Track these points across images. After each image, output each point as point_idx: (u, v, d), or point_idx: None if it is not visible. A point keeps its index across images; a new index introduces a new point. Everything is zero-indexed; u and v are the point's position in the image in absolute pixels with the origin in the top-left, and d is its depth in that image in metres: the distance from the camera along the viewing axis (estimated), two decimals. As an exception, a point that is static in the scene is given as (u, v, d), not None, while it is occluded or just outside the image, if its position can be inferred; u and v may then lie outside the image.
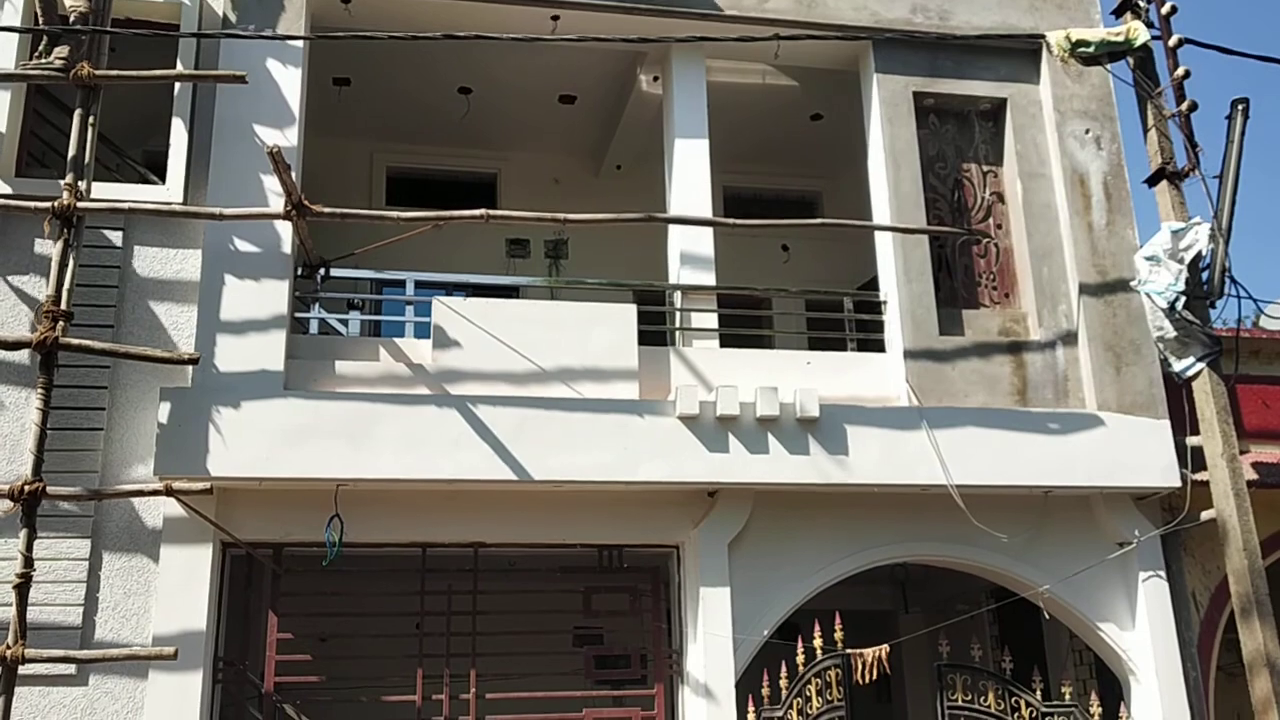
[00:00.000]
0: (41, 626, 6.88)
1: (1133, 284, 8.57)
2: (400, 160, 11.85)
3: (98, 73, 7.37)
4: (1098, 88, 9.42)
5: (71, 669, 6.98)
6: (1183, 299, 8.07)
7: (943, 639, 7.39)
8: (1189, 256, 8.13)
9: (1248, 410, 9.20)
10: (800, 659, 7.45)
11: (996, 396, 8.58)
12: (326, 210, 7.43)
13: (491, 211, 7.86)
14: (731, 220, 8.99)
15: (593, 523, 8.00)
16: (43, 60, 7.49)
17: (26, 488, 6.50)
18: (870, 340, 8.89)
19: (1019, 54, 9.42)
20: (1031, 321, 8.91)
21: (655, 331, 8.57)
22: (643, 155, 11.00)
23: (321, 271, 8.21)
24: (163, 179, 8.03)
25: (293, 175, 7.39)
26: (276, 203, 7.64)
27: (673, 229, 8.83)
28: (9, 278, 7.60)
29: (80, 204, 7.12)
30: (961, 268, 9.14)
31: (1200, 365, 8.17)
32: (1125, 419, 8.54)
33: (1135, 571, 8.47)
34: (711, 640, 7.78)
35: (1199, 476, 8.30)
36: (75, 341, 6.88)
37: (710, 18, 8.91)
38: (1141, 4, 8.88)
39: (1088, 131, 9.29)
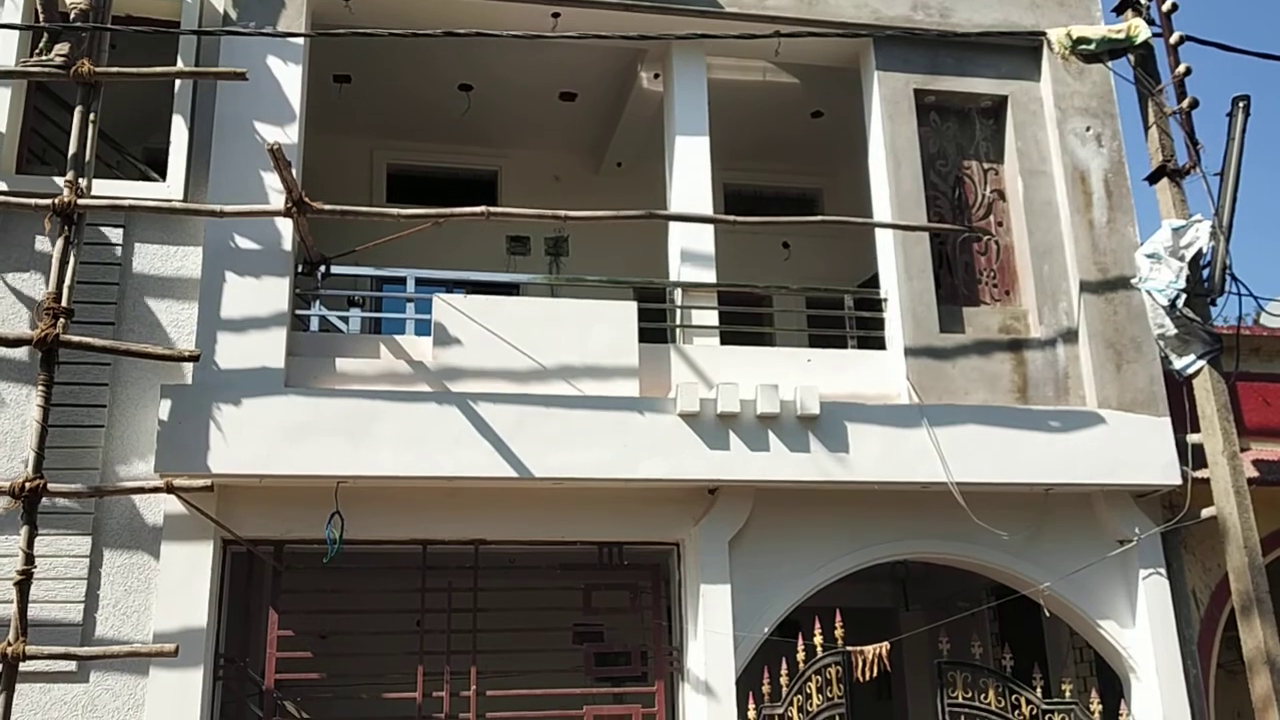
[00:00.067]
0: (42, 623, 6.89)
1: (1133, 281, 8.57)
2: (401, 157, 11.84)
3: (98, 70, 7.36)
4: (1099, 85, 9.41)
5: (72, 666, 6.99)
6: (1183, 296, 8.07)
7: (943, 636, 7.39)
8: (1190, 254, 8.13)
9: (1248, 408, 9.20)
10: (801, 656, 7.45)
11: (997, 394, 8.58)
12: (327, 207, 7.43)
13: (492, 209, 7.87)
14: (732, 218, 8.99)
15: (593, 520, 8.01)
16: (43, 57, 7.48)
17: (27, 484, 6.50)
18: (871, 338, 8.89)
19: (1020, 51, 9.42)
20: (1032, 319, 8.91)
21: (656, 329, 8.57)
22: (643, 152, 10.99)
23: (322, 269, 8.20)
24: (163, 176, 8.03)
25: (293, 172, 7.39)
26: (277, 200, 7.64)
27: (673, 226, 8.83)
28: (9, 275, 7.60)
29: (81, 201, 7.12)
30: (962, 265, 9.14)
31: (1201, 363, 8.17)
32: (1126, 416, 8.54)
33: (1136, 569, 8.47)
34: (712, 637, 7.78)
35: (1199, 474, 8.30)
36: (76, 338, 6.88)
37: (711, 15, 8.90)
38: (1142, 1, 8.88)
39: (1089, 129, 9.28)
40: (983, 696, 6.91)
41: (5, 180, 7.67)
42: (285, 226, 7.84)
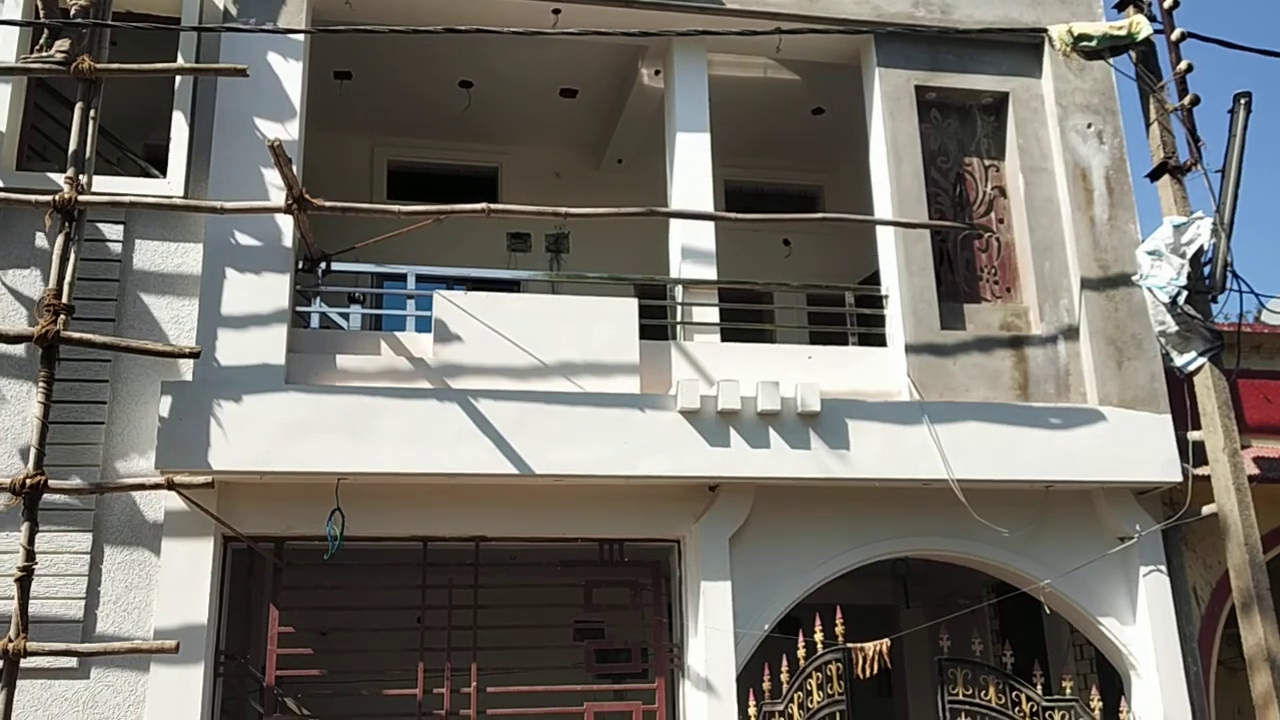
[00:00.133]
0: (43, 620, 6.89)
1: (1134, 278, 8.57)
2: (401, 154, 11.84)
3: (98, 66, 7.36)
4: (1100, 82, 9.40)
5: (73, 662, 6.99)
6: (1184, 293, 8.07)
7: (943, 633, 7.40)
8: (1191, 251, 8.13)
9: (1249, 405, 9.19)
10: (801, 653, 7.46)
11: (998, 391, 8.57)
12: (327, 204, 7.43)
13: (492, 205, 7.86)
14: (733, 215, 8.99)
15: (594, 517, 8.01)
16: (43, 54, 7.48)
17: (28, 481, 6.50)
18: (871, 335, 8.88)
19: (1021, 48, 9.41)
20: (1033, 316, 8.91)
21: (656, 326, 8.57)
22: (644, 149, 10.99)
23: (322, 265, 8.19)
24: (164, 173, 8.03)
25: (294, 169, 7.38)
26: (277, 196, 7.63)
27: (674, 223, 8.82)
28: (10, 272, 7.60)
29: (81, 198, 7.11)
30: (963, 262, 9.13)
31: (1202, 360, 8.17)
32: (1126, 414, 8.53)
33: (1136, 566, 8.47)
34: (712, 634, 7.79)
35: (1200, 471, 8.29)
36: (76, 335, 6.88)
37: (712, 11, 8.90)
38: (1144, -2, 8.88)
39: (1090, 125, 9.28)
40: (983, 693, 6.92)
41: (5, 177, 7.66)
42: (286, 223, 7.83)
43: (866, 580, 9.86)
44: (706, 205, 8.79)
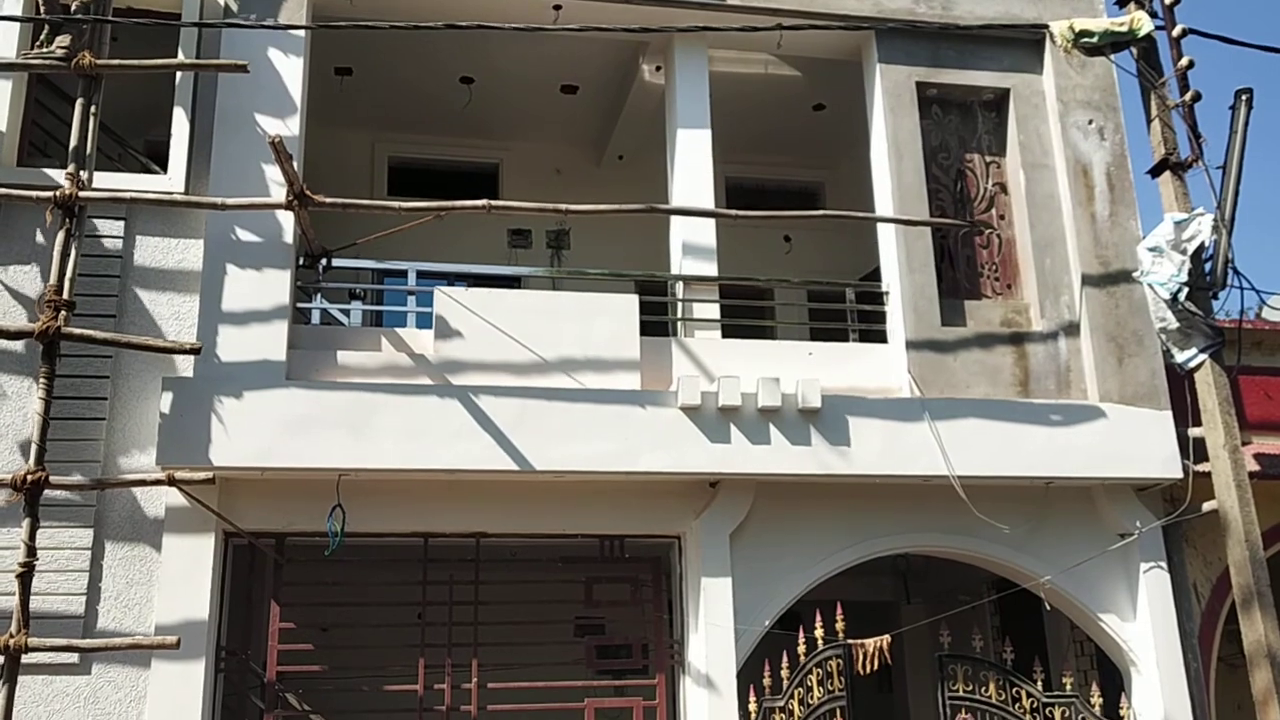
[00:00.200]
0: (44, 616, 6.90)
1: (1135, 275, 8.56)
2: (402, 150, 11.84)
3: (99, 62, 7.36)
4: (1101, 78, 9.39)
5: (74, 658, 7.00)
6: (1185, 290, 8.07)
7: (944, 629, 7.41)
8: (1192, 247, 8.13)
9: (1250, 401, 9.19)
10: (802, 649, 7.47)
11: (998, 387, 8.57)
12: (328, 200, 7.42)
13: (493, 202, 7.86)
14: (734, 211, 8.98)
15: (594, 513, 8.01)
16: (44, 49, 7.48)
17: (29, 477, 6.50)
18: (872, 331, 8.88)
19: (1022, 44, 9.40)
20: (1034, 312, 8.91)
21: (657, 322, 8.57)
22: (645, 145, 10.98)
23: (323, 261, 8.20)
24: (164, 169, 8.03)
25: (294, 165, 7.38)
26: (278, 192, 7.63)
27: (675, 219, 8.82)
28: (10, 268, 7.61)
29: (82, 194, 7.11)
30: (964, 258, 9.13)
31: (1202, 356, 8.17)
32: (1127, 410, 8.53)
33: (1136, 562, 8.47)
34: (713, 630, 7.79)
35: (1200, 468, 8.29)
36: (77, 331, 6.87)
37: (713, 7, 8.89)
38: (1145, -6, 8.87)
39: (1091, 122, 9.27)
40: (983, 689, 6.94)
41: (6, 173, 7.66)
42: (286, 219, 7.83)
43: (867, 576, 9.86)
44: (707, 201, 8.79)
